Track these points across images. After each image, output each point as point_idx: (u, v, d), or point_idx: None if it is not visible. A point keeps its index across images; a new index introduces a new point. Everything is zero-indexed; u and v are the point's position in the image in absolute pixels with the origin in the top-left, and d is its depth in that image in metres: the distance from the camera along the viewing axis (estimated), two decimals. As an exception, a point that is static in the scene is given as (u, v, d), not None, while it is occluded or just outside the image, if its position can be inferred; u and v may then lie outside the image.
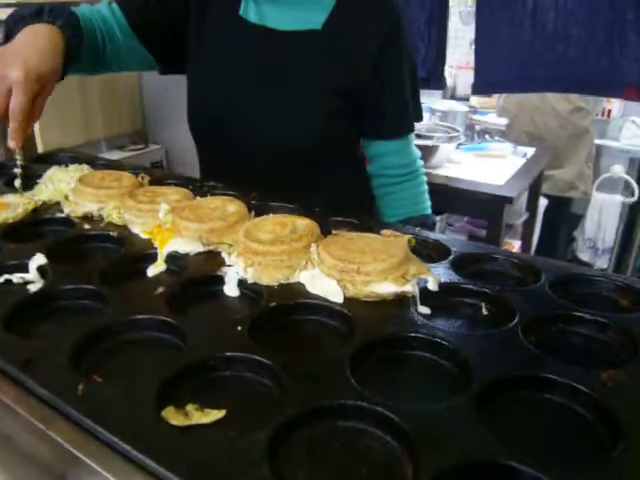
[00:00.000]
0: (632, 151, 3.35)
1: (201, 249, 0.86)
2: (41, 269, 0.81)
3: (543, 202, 3.10)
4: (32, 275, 0.81)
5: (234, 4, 1.16)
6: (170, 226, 0.89)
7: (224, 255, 0.84)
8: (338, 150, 1.22)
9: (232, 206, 0.92)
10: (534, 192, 2.78)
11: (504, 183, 2.29)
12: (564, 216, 3.41)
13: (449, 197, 2.21)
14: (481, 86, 1.82)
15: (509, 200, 2.15)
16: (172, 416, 0.55)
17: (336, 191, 1.22)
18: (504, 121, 2.83)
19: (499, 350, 0.64)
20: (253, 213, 0.95)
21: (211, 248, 0.86)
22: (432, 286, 0.75)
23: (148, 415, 0.54)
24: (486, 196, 2.17)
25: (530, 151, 2.71)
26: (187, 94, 1.22)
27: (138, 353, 0.67)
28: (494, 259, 0.87)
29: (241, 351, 0.62)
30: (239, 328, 0.66)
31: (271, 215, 0.89)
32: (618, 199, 3.42)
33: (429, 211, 1.29)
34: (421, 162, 1.29)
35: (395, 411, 0.53)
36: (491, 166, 2.48)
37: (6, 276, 0.80)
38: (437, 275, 0.78)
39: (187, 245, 0.85)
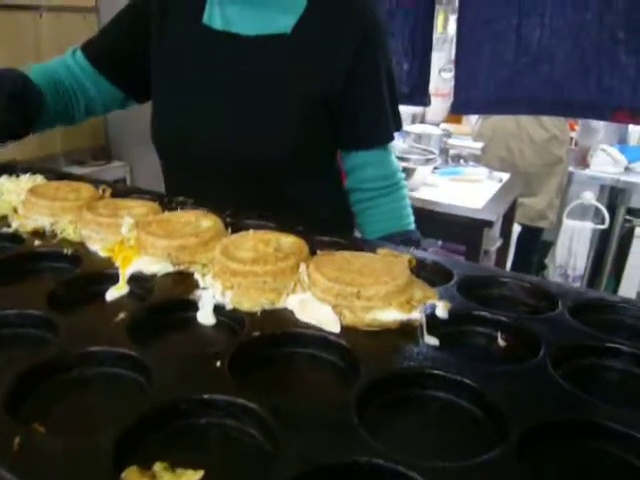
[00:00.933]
0: (602, 178, 3.36)
1: (170, 269, 0.74)
2: (-22, 291, 0.69)
3: (516, 228, 3.06)
4: (-33, 298, 0.68)
5: (196, 12, 1.07)
6: (134, 243, 0.77)
7: (197, 276, 0.72)
8: (312, 164, 1.12)
9: (206, 221, 0.80)
10: (509, 218, 2.73)
11: (482, 207, 2.24)
12: (536, 243, 3.38)
13: (424, 220, 2.13)
14: (460, 105, 1.75)
15: (489, 224, 2.08)
16: (135, 479, 0.43)
17: (313, 210, 1.11)
18: (479, 145, 2.79)
19: (530, 389, 0.54)
20: (230, 230, 0.84)
21: (182, 268, 0.74)
22: (441, 313, 0.65)
23: (105, 479, 0.42)
24: (465, 219, 2.10)
25: (505, 176, 2.67)
26: (151, 112, 1.14)
27: (92, 395, 0.55)
28: (502, 283, 0.78)
29: (220, 392, 0.51)
30: (217, 364, 0.54)
31: (251, 231, 0.78)
32: (589, 226, 3.42)
33: (413, 226, 1.19)
34: (402, 175, 1.19)
35: (420, 470, 0.42)
36: (467, 190, 2.42)
37: None
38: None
39: (154, 264, 0.74)
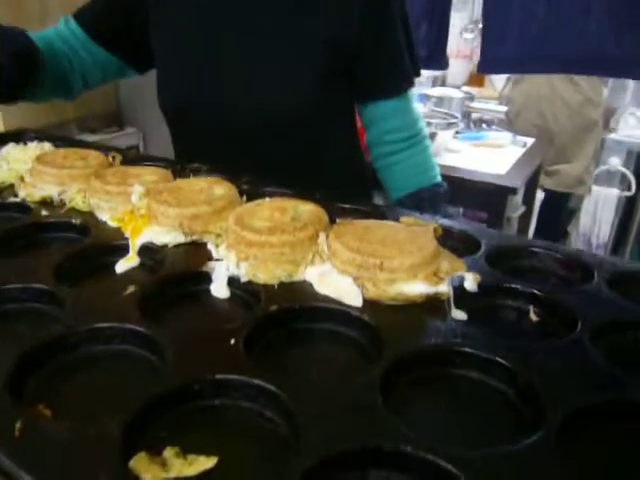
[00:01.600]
0: (630, 143, 3.24)
1: (182, 239, 0.70)
2: (-17, 264, 0.66)
3: (539, 195, 2.98)
4: (-28, 271, 0.65)
5: None
6: (145, 212, 0.73)
7: (211, 247, 0.69)
8: (329, 119, 1.05)
9: (220, 188, 0.76)
10: (532, 184, 2.65)
11: (505, 173, 2.16)
12: (562, 210, 3.29)
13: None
14: (488, 64, 1.66)
15: (512, 190, 2.01)
16: (145, 467, 0.40)
17: (330, 172, 1.06)
18: (503, 108, 2.69)
19: (567, 367, 0.50)
20: (245, 198, 0.80)
21: (194, 238, 0.71)
22: (470, 285, 0.61)
23: (111, 467, 0.39)
24: (488, 186, 2.03)
25: (529, 141, 2.58)
26: (157, 76, 1.08)
27: (100, 374, 0.52)
28: (534, 253, 0.73)
29: (236, 372, 0.47)
30: (232, 341, 0.51)
31: (267, 199, 0.74)
32: (614, 193, 3.32)
33: (439, 178, 1.12)
34: (423, 124, 1.12)
35: (451, 458, 0.38)
36: (490, 155, 2.35)
37: (-61, 272, 0.64)
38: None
39: (165, 235, 0.70)
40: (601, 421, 0.45)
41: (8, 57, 0.88)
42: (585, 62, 1.41)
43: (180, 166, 1.00)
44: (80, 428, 0.42)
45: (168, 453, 0.42)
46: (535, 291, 0.62)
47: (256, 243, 0.63)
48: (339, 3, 0.97)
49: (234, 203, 0.74)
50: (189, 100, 1.03)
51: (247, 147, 1.01)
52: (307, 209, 0.70)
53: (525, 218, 2.85)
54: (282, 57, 0.97)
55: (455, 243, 0.77)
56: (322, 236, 0.64)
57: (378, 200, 1.25)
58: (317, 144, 1.05)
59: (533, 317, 0.61)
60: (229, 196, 0.74)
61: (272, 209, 0.69)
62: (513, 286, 0.63)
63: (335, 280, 0.60)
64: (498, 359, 0.50)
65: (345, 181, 1.08)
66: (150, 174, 0.83)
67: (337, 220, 0.75)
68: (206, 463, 0.41)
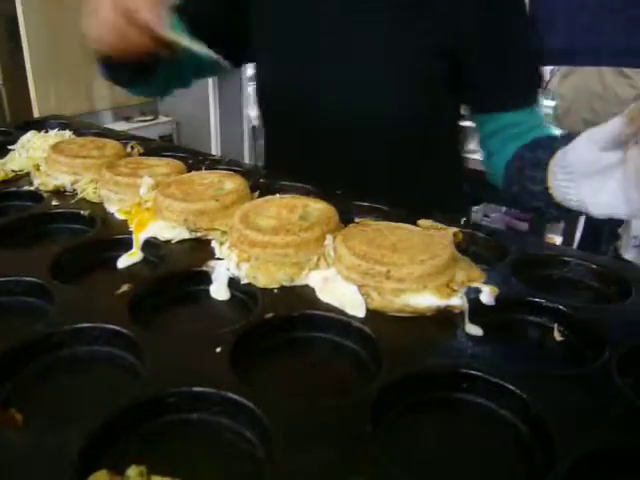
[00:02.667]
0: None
1: (186, 236, 0.67)
2: (-15, 254, 0.64)
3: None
4: (-28, 261, 0.63)
5: None
6: (151, 205, 0.71)
7: (214, 245, 0.65)
8: (434, 128, 0.95)
9: (230, 183, 0.73)
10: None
11: (552, 172, 2.06)
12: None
13: (488, 184, 1.98)
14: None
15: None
16: (101, 487, 0.37)
17: (429, 187, 0.96)
18: (551, 103, 2.56)
19: (588, 401, 0.44)
20: (258, 193, 0.76)
21: (199, 235, 0.67)
22: (487, 299, 0.55)
23: (63, 485, 0.36)
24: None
25: (580, 138, 2.45)
26: (256, 73, 1.01)
27: (79, 378, 0.49)
28: (565, 263, 0.67)
29: (215, 385, 0.43)
30: (218, 349, 0.47)
31: (277, 196, 0.70)
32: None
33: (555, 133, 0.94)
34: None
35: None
36: (537, 153, 2.24)
37: (-59, 261, 0.63)
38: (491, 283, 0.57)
39: (169, 230, 0.67)
40: (618, 468, 0.39)
41: None
42: (637, 54, 1.31)
43: (203, 158, 0.97)
44: (40, 439, 0.39)
45: (132, 472, 0.38)
46: (560, 307, 0.56)
47: (259, 243, 0.59)
48: (451, 7, 0.86)
49: (244, 199, 0.71)
50: (290, 92, 0.95)
51: (342, 150, 0.93)
52: (318, 207, 0.66)
53: (572, 219, 2.73)
54: (386, 60, 0.88)
55: (479, 249, 0.72)
56: (329, 238, 0.60)
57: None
58: (418, 153, 0.95)
59: (557, 336, 0.55)
60: (238, 191, 0.71)
61: (280, 206, 0.65)
62: (536, 300, 0.57)
63: (339, 287, 0.55)
64: (509, 386, 0.44)
65: (443, 195, 0.98)
66: (163, 166, 0.81)
67: (355, 219, 0.71)
68: (169, 487, 0.37)
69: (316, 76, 0.92)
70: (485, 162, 0.98)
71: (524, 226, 2.38)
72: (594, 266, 0.66)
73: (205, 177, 0.75)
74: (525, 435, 0.42)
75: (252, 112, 2.22)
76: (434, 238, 0.59)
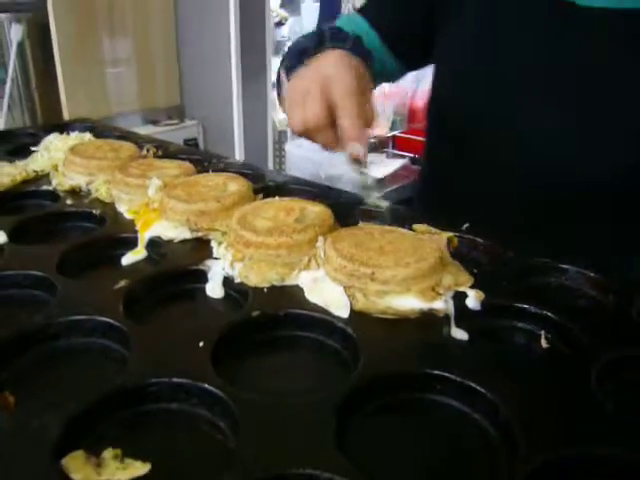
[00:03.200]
0: None
1: (188, 235, 0.69)
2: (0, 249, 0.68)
3: None
4: (-12, 255, 0.67)
5: None
6: (158, 206, 0.73)
7: (213, 245, 0.67)
8: None
9: (234, 185, 0.75)
10: None
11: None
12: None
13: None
14: None
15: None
16: (77, 466, 0.39)
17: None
18: None
19: (560, 409, 0.44)
20: (261, 196, 0.78)
21: (200, 235, 0.70)
22: (472, 303, 0.56)
23: (41, 463, 0.38)
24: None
25: None
26: (433, 78, 0.89)
27: (73, 366, 0.51)
28: (563, 270, 0.67)
29: (194, 376, 0.45)
30: (201, 344, 0.49)
31: (277, 198, 0.72)
32: None
33: None
34: None
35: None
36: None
37: (-39, 255, 0.67)
38: (479, 289, 0.58)
39: (172, 230, 0.70)
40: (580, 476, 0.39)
41: None
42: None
43: (216, 160, 1.00)
44: (25, 420, 0.41)
45: (107, 454, 0.40)
46: (548, 314, 0.56)
47: (253, 243, 0.61)
48: None
49: (245, 200, 0.72)
50: (476, 122, 0.81)
51: (531, 204, 0.78)
52: (315, 210, 0.67)
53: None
54: (619, 112, 0.71)
55: (479, 255, 0.72)
56: (321, 240, 0.61)
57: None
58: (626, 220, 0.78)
59: (543, 343, 0.55)
60: (240, 193, 0.73)
61: (278, 209, 0.67)
62: (524, 306, 0.57)
63: (326, 287, 0.56)
64: (479, 388, 0.45)
65: None
66: (173, 168, 0.83)
67: (360, 223, 0.72)
68: (139, 469, 0.39)
69: (510, 108, 0.77)
70: None
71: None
72: (591, 274, 0.65)
73: (211, 179, 0.77)
74: (495, 437, 0.43)
75: (278, 116, 2.26)
76: (424, 242, 0.60)
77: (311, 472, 0.37)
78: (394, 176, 2.29)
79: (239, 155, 2.16)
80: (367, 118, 0.66)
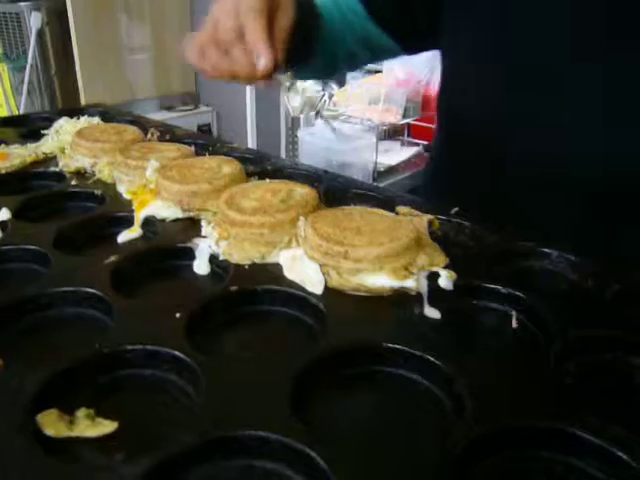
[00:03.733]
0: None
1: (180, 215, 0.72)
2: (3, 225, 0.71)
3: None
4: (-8, 231, 0.71)
5: None
6: (154, 187, 0.76)
7: (203, 224, 0.70)
8: None
9: (227, 168, 0.77)
10: None
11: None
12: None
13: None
14: None
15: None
16: (50, 422, 0.42)
17: None
18: None
19: (512, 381, 0.46)
20: (256, 178, 0.80)
21: (192, 215, 0.72)
22: (444, 283, 0.57)
23: (16, 418, 0.41)
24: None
25: None
26: (442, 73, 0.88)
27: (60, 334, 0.55)
28: (545, 255, 0.68)
29: (167, 344, 0.48)
30: (177, 315, 0.52)
31: (267, 180, 0.74)
32: None
33: None
34: None
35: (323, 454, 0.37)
36: None
37: (-33, 230, 0.71)
38: (458, 270, 0.59)
39: (165, 209, 0.72)
40: (518, 447, 0.41)
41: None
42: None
43: (218, 145, 1.02)
44: (6, 379, 0.44)
45: (80, 413, 0.43)
46: (520, 294, 0.57)
47: (238, 222, 0.64)
48: None
49: (236, 182, 0.75)
50: (489, 120, 0.77)
51: (549, 209, 0.74)
52: (301, 192, 0.69)
53: None
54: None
55: (466, 239, 0.73)
56: (302, 220, 0.63)
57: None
58: None
59: (514, 323, 0.56)
60: (232, 175, 0.75)
61: (265, 190, 0.69)
62: (496, 287, 0.58)
63: (303, 265, 0.59)
64: (436, 361, 0.46)
65: None
66: (173, 151, 0.86)
67: (352, 205, 0.74)
68: (107, 427, 0.42)
69: (536, 100, 0.72)
70: None
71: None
72: (572, 258, 0.66)
73: (206, 162, 0.80)
74: (448, 406, 0.45)
75: (291, 103, 2.27)
76: (401, 223, 0.61)
77: (262, 434, 0.39)
78: (407, 163, 2.30)
79: (251, 142, 2.19)
80: (276, 37, 0.67)
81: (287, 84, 0.74)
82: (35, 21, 1.92)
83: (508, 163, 0.77)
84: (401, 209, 0.68)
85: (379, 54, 0.95)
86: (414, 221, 0.64)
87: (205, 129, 2.27)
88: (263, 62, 0.65)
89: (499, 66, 0.76)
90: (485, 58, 0.77)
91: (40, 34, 1.93)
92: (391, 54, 0.95)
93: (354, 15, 0.87)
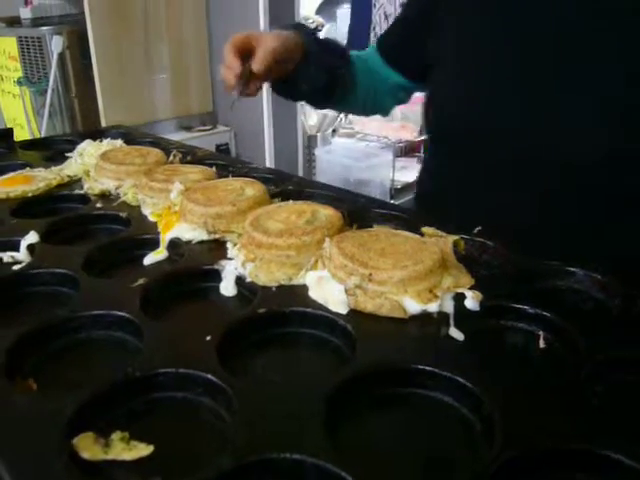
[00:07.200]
0: None
1: (205, 237, 0.73)
2: (32, 248, 0.73)
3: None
4: (22, 254, 0.72)
5: None
6: (179, 209, 0.77)
7: (228, 246, 0.71)
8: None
9: (250, 189, 0.78)
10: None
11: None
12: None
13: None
14: None
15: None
16: (86, 446, 0.43)
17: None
18: None
19: (542, 403, 0.46)
20: (279, 200, 0.81)
21: (217, 237, 0.73)
22: (471, 304, 0.57)
23: (53, 442, 0.42)
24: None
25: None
26: (428, 88, 0.97)
27: (90, 357, 0.55)
28: (570, 274, 0.67)
29: (199, 367, 0.49)
30: (208, 338, 0.52)
31: (291, 201, 0.75)
32: None
33: None
34: None
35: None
36: None
37: (-1, 254, 0.73)
38: (483, 291, 0.59)
39: (190, 231, 0.73)
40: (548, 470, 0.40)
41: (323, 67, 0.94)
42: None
43: (241, 165, 1.04)
44: (42, 404, 0.45)
45: (115, 436, 0.44)
46: (547, 314, 0.57)
47: (264, 244, 0.64)
48: None
49: (261, 204, 0.76)
50: (466, 125, 0.85)
51: (538, 196, 0.80)
52: (325, 213, 0.70)
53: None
54: (614, 82, 0.73)
55: (489, 258, 0.73)
56: (327, 241, 0.64)
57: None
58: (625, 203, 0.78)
59: (541, 343, 0.56)
60: (256, 197, 0.76)
61: (290, 212, 0.70)
62: (523, 307, 0.58)
63: (328, 286, 0.59)
64: (467, 384, 0.46)
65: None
66: (196, 173, 0.88)
67: (374, 226, 0.75)
68: (143, 450, 0.43)
69: (509, 101, 0.80)
70: None
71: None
72: (599, 277, 0.66)
73: (230, 184, 0.81)
74: (480, 430, 0.45)
75: (308, 121, 2.30)
76: (426, 245, 0.62)
77: (298, 457, 0.39)
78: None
79: (269, 160, 2.21)
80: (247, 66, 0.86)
81: (233, 100, 0.90)
82: (57, 45, 1.96)
83: (488, 165, 0.83)
84: (426, 230, 0.68)
85: (402, 97, 1.11)
86: (439, 242, 0.64)
87: (223, 148, 2.29)
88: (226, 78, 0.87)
89: (478, 79, 0.85)
90: (463, 74, 0.87)
91: (61, 58, 1.97)
92: (410, 90, 1.09)
93: (380, 68, 1.04)
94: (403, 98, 1.12)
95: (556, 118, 0.76)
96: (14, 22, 2.37)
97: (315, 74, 0.94)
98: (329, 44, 1.01)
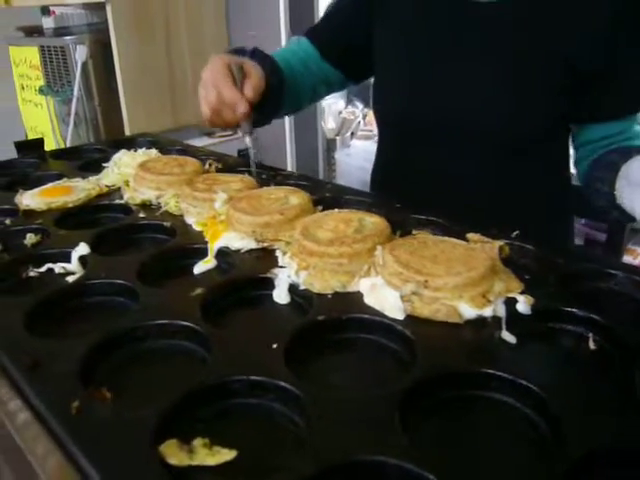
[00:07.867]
0: None
1: (254, 246, 0.75)
2: (83, 259, 0.75)
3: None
4: (73, 266, 0.75)
5: None
6: (224, 218, 0.79)
7: (278, 254, 0.73)
8: (550, 145, 0.98)
9: (295, 198, 0.80)
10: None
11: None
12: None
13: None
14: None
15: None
16: (172, 452, 0.45)
17: (537, 205, 1.01)
18: None
19: (604, 405, 0.47)
20: (321, 207, 0.83)
21: (265, 245, 0.75)
22: (523, 308, 0.59)
23: (141, 449, 0.44)
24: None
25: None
26: (375, 88, 1.09)
27: (160, 365, 0.58)
28: (611, 275, 0.69)
29: (270, 374, 0.51)
30: (274, 345, 0.55)
31: (336, 210, 0.77)
32: None
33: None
34: None
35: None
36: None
37: (49, 265, 0.75)
38: (529, 294, 0.61)
39: (239, 240, 0.75)
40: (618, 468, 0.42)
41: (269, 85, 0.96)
42: None
43: (274, 173, 1.06)
44: (124, 412, 0.47)
45: (197, 442, 0.46)
46: (596, 317, 0.59)
47: (316, 253, 0.66)
48: (576, 24, 0.87)
49: (306, 212, 0.78)
50: (405, 111, 1.01)
51: (460, 166, 0.97)
52: (372, 221, 0.72)
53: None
54: (514, 73, 0.90)
55: (529, 261, 0.75)
56: (379, 249, 0.66)
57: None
58: (531, 172, 0.99)
59: (591, 345, 0.58)
60: (301, 205, 0.78)
61: (338, 220, 0.72)
62: (571, 310, 0.60)
63: (383, 292, 0.61)
64: (531, 386, 0.48)
65: (548, 215, 1.03)
66: (237, 182, 0.90)
67: (413, 231, 0.76)
68: (226, 456, 0.45)
69: (437, 91, 0.95)
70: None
71: (602, 237, 2.32)
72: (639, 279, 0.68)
73: (272, 192, 0.83)
74: (545, 431, 0.46)
75: (327, 125, 2.32)
76: (475, 252, 0.64)
77: (380, 458, 0.41)
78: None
79: (290, 163, 2.23)
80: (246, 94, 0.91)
81: (247, 131, 0.98)
82: (80, 54, 1.98)
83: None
84: (471, 236, 0.70)
85: (334, 87, 1.20)
86: (485, 248, 0.66)
87: (244, 154, 2.30)
88: (241, 109, 0.90)
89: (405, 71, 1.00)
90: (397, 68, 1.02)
91: (85, 67, 2.00)
92: (342, 86, 1.22)
93: (311, 59, 1.11)
94: (337, 88, 1.23)
95: (477, 105, 0.92)
96: (33, 32, 2.40)
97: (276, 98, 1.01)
98: (272, 64, 1.03)
